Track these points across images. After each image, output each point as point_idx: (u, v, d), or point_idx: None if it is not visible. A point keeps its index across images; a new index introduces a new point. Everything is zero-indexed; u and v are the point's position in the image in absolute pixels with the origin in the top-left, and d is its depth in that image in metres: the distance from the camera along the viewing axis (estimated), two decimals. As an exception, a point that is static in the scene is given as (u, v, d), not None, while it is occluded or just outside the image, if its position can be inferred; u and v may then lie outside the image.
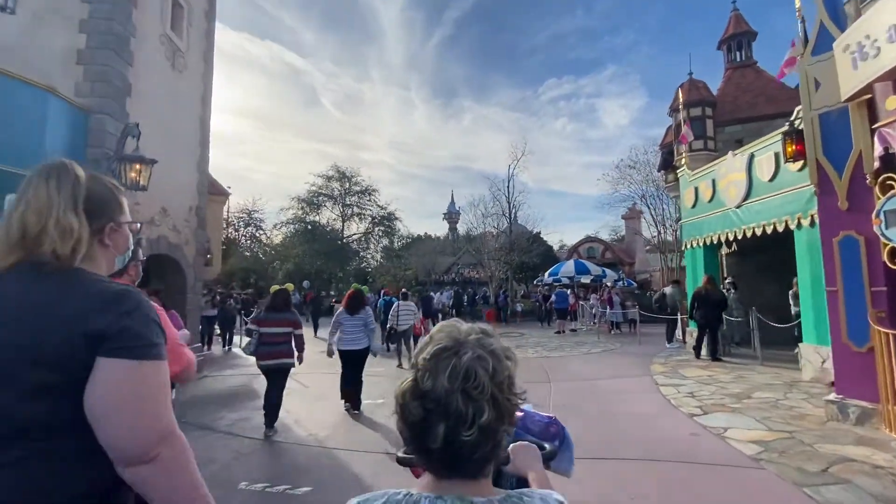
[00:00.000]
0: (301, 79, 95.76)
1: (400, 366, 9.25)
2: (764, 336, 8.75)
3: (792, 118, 6.14)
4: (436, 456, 0.66)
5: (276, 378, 5.16)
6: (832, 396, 4.93)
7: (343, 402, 6.03)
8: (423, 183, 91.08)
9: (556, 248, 42.79)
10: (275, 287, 5.82)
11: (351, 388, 5.94)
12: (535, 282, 28.36)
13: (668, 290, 11.98)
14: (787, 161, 6.15)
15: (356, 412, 5.86)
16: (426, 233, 55.22)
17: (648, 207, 21.82)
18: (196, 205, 9.35)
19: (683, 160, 11.03)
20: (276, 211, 35.70)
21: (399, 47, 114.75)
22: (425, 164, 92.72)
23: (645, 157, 21.74)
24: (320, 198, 33.98)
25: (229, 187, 16.83)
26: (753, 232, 8.16)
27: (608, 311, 13.92)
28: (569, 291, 17.06)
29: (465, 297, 21.87)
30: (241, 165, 76.57)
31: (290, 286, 6.44)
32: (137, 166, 5.89)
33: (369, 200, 35.08)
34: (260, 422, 5.46)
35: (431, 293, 24.22)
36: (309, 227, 33.28)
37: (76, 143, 6.32)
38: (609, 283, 16.02)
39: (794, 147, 5.74)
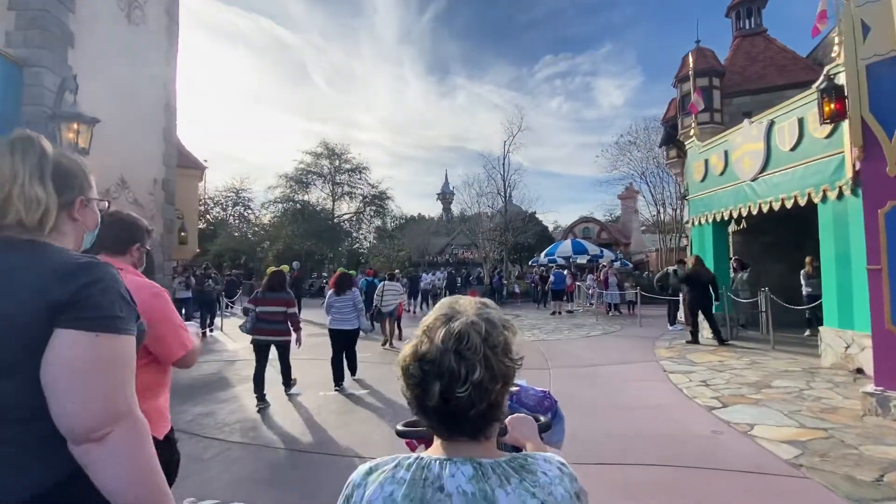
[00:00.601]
0: (291, 54, 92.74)
1: (385, 346, 9.09)
2: (772, 318, 8.22)
3: (827, 71, 5.42)
4: (435, 414, 0.70)
5: (280, 352, 5.49)
6: (870, 388, 4.37)
7: (335, 385, 5.94)
8: (417, 164, 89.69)
9: (550, 228, 42.22)
10: (271, 268, 5.97)
11: (342, 367, 6.06)
12: (530, 262, 27.86)
13: (671, 270, 11.41)
14: (823, 122, 5.45)
15: (354, 378, 6.20)
16: (420, 213, 54.40)
17: (648, 185, 21.14)
18: (163, 177, 8.51)
19: (692, 131, 10.31)
20: (263, 189, 34.26)
21: (391, 21, 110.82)
22: (419, 145, 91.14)
23: (646, 133, 20.92)
24: (309, 176, 32.85)
25: (206, 161, 15.83)
26: (770, 206, 7.53)
27: (605, 292, 13.36)
28: (566, 272, 16.48)
29: (459, 278, 21.27)
30: (230, 144, 74.81)
31: (285, 268, 6.62)
32: (75, 125, 5.07)
33: (360, 179, 34.01)
34: (224, 419, 4.93)
35: (423, 273, 23.62)
36: (298, 206, 32.25)
37: (8, 99, 5.46)
38: (605, 263, 15.39)
39: (831, 106, 5.04)
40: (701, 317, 8.54)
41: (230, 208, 44.56)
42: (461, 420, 0.69)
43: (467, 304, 0.76)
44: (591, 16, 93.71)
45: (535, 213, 31.93)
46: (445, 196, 56.09)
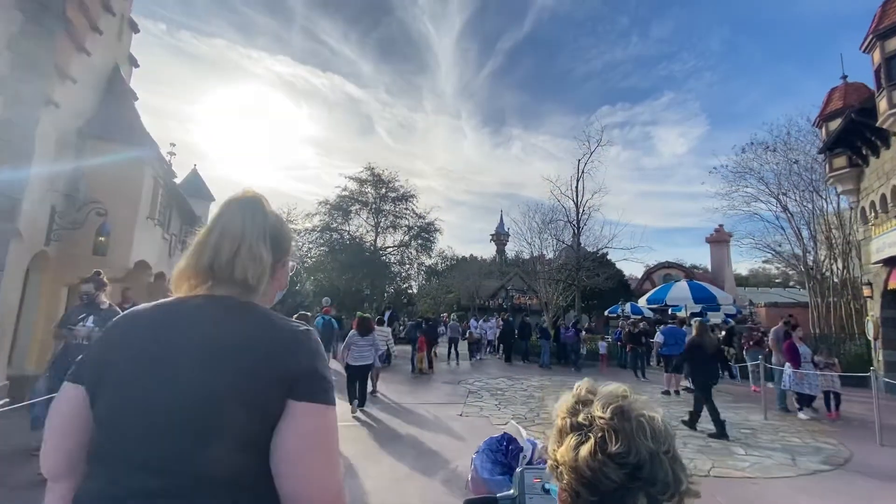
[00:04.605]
0: (358, 108, 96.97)
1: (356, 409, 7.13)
2: None
3: None
4: None
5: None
6: None
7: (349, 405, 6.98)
8: (470, 209, 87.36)
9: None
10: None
11: (359, 393, 7.13)
12: (608, 311, 22.19)
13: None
14: None
15: (362, 409, 7.09)
16: (471, 254, 50.18)
17: (787, 212, 15.01)
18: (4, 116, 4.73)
19: None
20: (301, 216, 31.67)
21: (451, 77, 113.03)
22: (473, 191, 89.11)
23: (785, 139, 15.00)
24: (352, 203, 29.73)
25: (172, 145, 12.61)
26: None
27: (789, 371, 7.63)
28: (684, 328, 11.04)
29: (517, 328, 16.15)
30: (299, 189, 76.90)
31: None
32: None
33: (406, 209, 30.39)
34: None
35: (472, 320, 18.86)
36: (335, 235, 29.11)
37: None
38: (781, 321, 9.57)
39: None
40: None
41: (275, 240, 42.98)
42: None
43: (622, 389, 0.67)
44: (651, 67, 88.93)
45: (606, 254, 26.32)
46: (500, 237, 51.77)
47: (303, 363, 0.82)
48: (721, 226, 32.18)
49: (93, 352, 0.84)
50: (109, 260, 7.22)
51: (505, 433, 1.76)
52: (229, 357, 0.78)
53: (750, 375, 10.56)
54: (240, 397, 0.76)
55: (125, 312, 0.88)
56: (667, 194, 79.90)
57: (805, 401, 7.48)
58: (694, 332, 7.05)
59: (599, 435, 0.60)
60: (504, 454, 1.69)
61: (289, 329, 0.86)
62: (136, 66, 9.73)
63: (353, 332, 7.32)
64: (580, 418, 0.64)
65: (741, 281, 41.92)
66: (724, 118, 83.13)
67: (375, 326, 8.51)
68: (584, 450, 0.59)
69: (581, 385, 0.70)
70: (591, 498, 0.58)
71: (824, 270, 14.46)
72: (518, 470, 1.27)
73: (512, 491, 1.25)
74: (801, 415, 7.61)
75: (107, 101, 8.08)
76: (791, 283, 34.34)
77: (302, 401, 0.79)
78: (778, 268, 37.02)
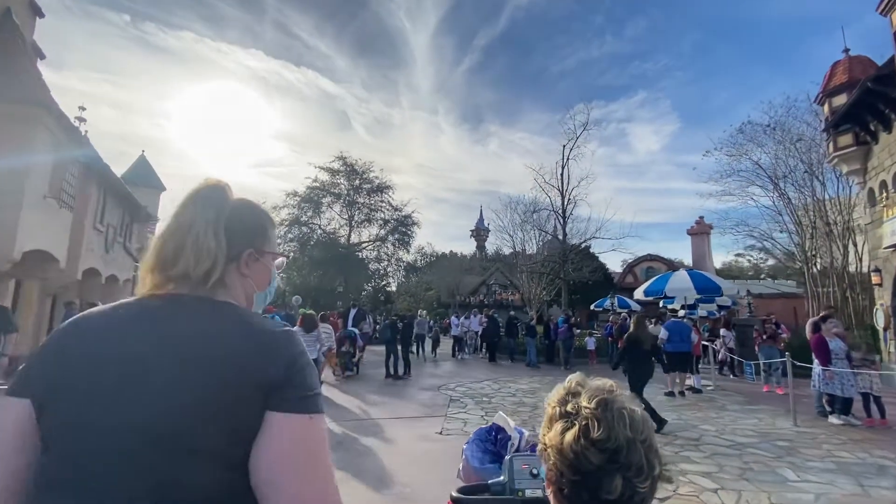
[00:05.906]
0: (334, 103, 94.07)
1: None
2: None
3: None
4: None
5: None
6: None
7: None
8: (449, 206, 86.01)
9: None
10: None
11: None
12: (594, 305, 21.25)
13: None
14: None
15: None
16: (451, 251, 48.98)
17: (785, 198, 14.20)
18: None
19: None
20: (268, 209, 29.67)
21: (428, 73, 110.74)
22: (452, 188, 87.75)
23: (785, 117, 14.06)
24: (324, 196, 27.98)
25: (82, 109, 10.62)
26: None
27: (819, 371, 6.53)
28: (690, 323, 10.04)
29: (504, 325, 14.97)
30: (274, 186, 74.51)
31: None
32: None
33: (381, 201, 28.83)
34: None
35: (453, 317, 17.59)
36: (305, 229, 27.35)
37: None
38: (822, 315, 8.44)
39: None
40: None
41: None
42: None
43: (611, 385, 0.71)
44: (625, 66, 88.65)
45: (589, 246, 25.45)
46: (479, 232, 50.74)
47: (283, 369, 0.70)
48: (702, 217, 31.67)
49: (40, 361, 0.71)
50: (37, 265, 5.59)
51: (493, 423, 1.81)
52: (200, 368, 0.67)
53: (762, 374, 9.60)
54: (214, 413, 0.65)
55: (76, 317, 0.76)
56: (642, 191, 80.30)
57: (840, 404, 6.44)
58: (632, 326, 6.83)
59: (584, 423, 0.64)
60: (493, 443, 1.74)
61: (265, 332, 0.75)
62: (41, 15, 8.00)
63: (297, 328, 7.60)
64: (569, 407, 0.68)
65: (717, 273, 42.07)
66: (695, 116, 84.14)
67: (319, 323, 8.79)
68: (570, 435, 0.64)
69: (572, 378, 0.74)
70: (574, 478, 0.63)
71: (820, 258, 13.77)
72: (507, 457, 1.29)
73: (502, 477, 1.28)
74: (833, 419, 6.60)
75: (-11, 50, 6.41)
76: (762, 276, 34.32)
77: (279, 412, 0.68)
78: (749, 260, 36.90)
